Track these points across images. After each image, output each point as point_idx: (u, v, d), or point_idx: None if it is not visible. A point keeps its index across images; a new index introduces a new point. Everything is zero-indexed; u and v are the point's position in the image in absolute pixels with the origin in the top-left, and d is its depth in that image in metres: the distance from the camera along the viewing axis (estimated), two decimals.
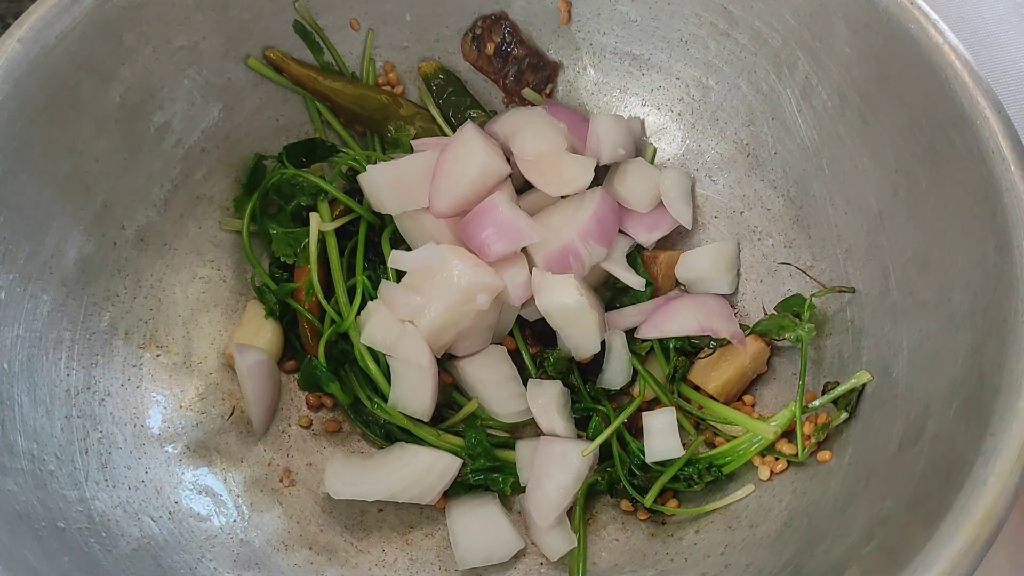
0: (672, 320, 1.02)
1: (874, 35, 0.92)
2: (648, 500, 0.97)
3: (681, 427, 1.00)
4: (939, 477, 0.73)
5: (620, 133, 1.11)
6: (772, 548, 0.88)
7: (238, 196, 1.13)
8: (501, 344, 1.06)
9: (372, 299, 1.03)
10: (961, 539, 0.67)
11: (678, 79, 1.15)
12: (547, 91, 1.18)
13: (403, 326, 0.99)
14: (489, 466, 1.01)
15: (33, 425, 0.88)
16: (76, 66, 0.93)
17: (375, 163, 1.05)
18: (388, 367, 1.01)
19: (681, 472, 0.98)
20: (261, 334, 1.08)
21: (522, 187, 1.09)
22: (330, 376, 1.03)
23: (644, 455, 0.99)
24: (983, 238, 0.80)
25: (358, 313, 1.04)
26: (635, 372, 1.05)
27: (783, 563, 0.85)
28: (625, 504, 1.01)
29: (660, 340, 1.04)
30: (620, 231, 1.09)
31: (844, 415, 0.92)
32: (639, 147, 1.16)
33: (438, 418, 1.04)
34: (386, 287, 1.02)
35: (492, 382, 1.01)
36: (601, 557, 0.99)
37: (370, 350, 1.02)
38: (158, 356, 1.04)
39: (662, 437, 0.98)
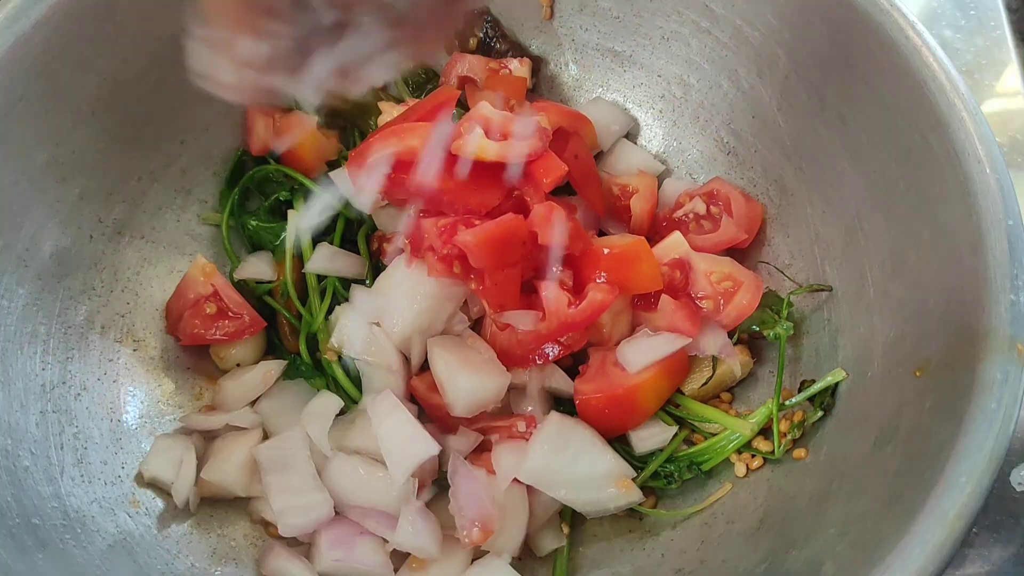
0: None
1: (853, 36, 0.92)
2: None
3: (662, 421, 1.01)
4: (913, 476, 0.74)
5: (613, 113, 1.15)
6: (748, 544, 0.89)
7: (222, 189, 1.13)
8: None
9: (344, 300, 1.04)
10: (935, 537, 0.68)
11: (659, 76, 1.15)
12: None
13: (371, 329, 0.99)
14: None
15: (7, 420, 0.87)
16: (52, 56, 0.92)
17: None
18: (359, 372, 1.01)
19: (661, 469, 0.98)
20: None
21: None
22: (315, 373, 1.03)
23: (624, 452, 0.99)
24: (958, 239, 0.80)
25: (329, 314, 1.04)
26: None
27: (759, 559, 0.85)
28: None
29: None
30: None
31: (819, 413, 0.93)
32: (631, 131, 1.19)
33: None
34: (356, 291, 1.02)
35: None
36: (579, 552, 0.99)
37: (339, 356, 1.02)
38: (135, 350, 1.03)
39: (649, 428, 0.99)
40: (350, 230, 1.11)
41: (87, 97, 0.97)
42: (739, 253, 1.06)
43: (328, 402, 0.98)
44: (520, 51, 1.18)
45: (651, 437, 0.99)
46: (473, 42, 1.17)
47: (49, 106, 0.93)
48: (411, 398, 1.01)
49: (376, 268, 1.07)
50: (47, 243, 0.95)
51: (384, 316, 0.98)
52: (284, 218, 1.09)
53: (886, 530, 0.71)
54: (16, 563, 0.76)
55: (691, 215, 1.07)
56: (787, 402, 0.96)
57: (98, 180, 1.01)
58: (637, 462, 0.99)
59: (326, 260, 1.06)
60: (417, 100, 1.11)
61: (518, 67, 1.15)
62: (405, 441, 0.91)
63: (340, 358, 1.02)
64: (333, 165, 1.12)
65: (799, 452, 0.93)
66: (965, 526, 0.68)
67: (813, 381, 0.95)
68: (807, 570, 0.78)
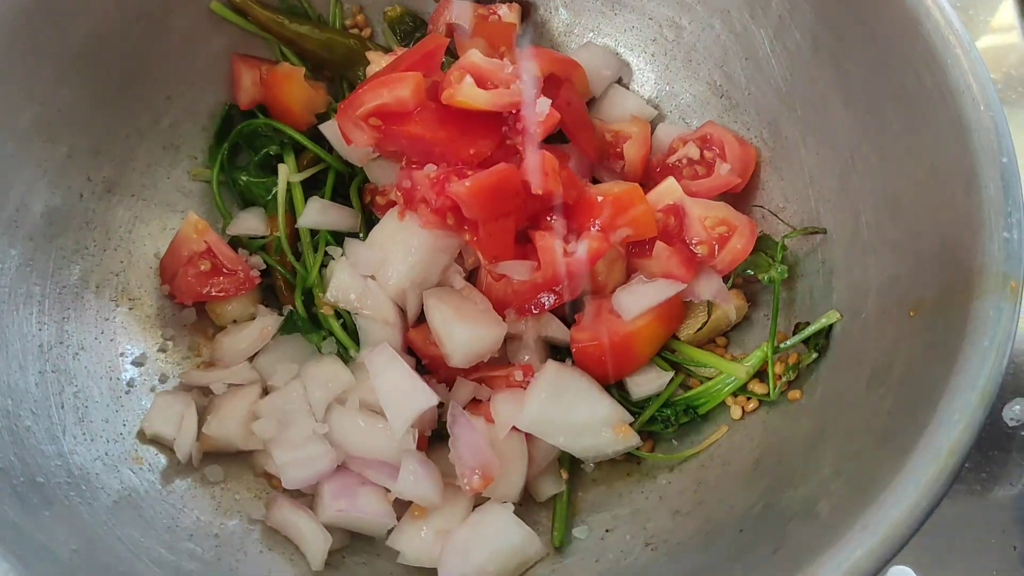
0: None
1: None
2: None
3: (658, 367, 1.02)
4: (906, 414, 0.75)
5: (604, 58, 1.14)
6: (744, 485, 0.90)
7: (211, 145, 1.11)
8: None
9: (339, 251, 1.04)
10: (927, 474, 0.68)
11: (651, 19, 1.13)
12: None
13: (367, 283, 0.99)
14: None
15: (7, 381, 0.87)
16: (30, 12, 0.90)
17: None
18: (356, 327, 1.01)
19: (658, 413, 0.99)
20: None
21: None
22: (312, 328, 1.03)
23: (621, 398, 1.00)
24: (952, 178, 0.80)
25: (323, 267, 1.04)
26: None
27: (755, 499, 0.87)
28: None
29: None
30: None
31: (814, 355, 0.93)
32: (623, 76, 1.17)
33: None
34: (351, 244, 1.02)
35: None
36: (578, 496, 1.01)
37: (336, 310, 1.02)
38: (131, 309, 1.03)
39: (645, 373, 1.00)
40: (341, 183, 1.10)
41: (69, 54, 0.95)
42: (733, 197, 1.06)
43: (338, 374, 0.98)
44: None
45: (648, 383, 1.00)
46: None
47: (31, 64, 0.92)
48: (409, 350, 1.01)
49: (369, 221, 1.07)
50: (37, 203, 0.95)
51: (379, 269, 0.98)
52: (275, 172, 1.09)
53: (880, 468, 0.72)
54: (23, 521, 0.77)
55: (685, 160, 1.07)
56: (782, 345, 0.96)
57: (86, 138, 0.99)
58: (634, 407, 1.00)
59: (318, 214, 1.06)
60: (405, 49, 1.09)
61: (507, 13, 1.13)
62: (404, 393, 0.92)
63: (336, 312, 1.02)
64: (322, 118, 1.11)
65: (794, 394, 0.94)
66: (958, 462, 0.69)
67: (808, 323, 0.95)
68: (802, 509, 0.79)
